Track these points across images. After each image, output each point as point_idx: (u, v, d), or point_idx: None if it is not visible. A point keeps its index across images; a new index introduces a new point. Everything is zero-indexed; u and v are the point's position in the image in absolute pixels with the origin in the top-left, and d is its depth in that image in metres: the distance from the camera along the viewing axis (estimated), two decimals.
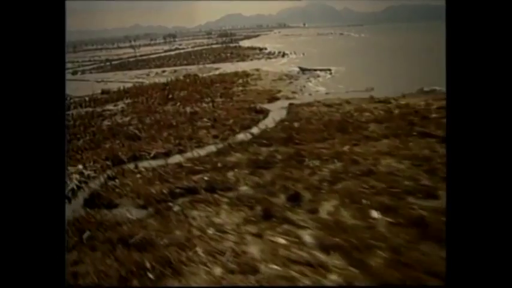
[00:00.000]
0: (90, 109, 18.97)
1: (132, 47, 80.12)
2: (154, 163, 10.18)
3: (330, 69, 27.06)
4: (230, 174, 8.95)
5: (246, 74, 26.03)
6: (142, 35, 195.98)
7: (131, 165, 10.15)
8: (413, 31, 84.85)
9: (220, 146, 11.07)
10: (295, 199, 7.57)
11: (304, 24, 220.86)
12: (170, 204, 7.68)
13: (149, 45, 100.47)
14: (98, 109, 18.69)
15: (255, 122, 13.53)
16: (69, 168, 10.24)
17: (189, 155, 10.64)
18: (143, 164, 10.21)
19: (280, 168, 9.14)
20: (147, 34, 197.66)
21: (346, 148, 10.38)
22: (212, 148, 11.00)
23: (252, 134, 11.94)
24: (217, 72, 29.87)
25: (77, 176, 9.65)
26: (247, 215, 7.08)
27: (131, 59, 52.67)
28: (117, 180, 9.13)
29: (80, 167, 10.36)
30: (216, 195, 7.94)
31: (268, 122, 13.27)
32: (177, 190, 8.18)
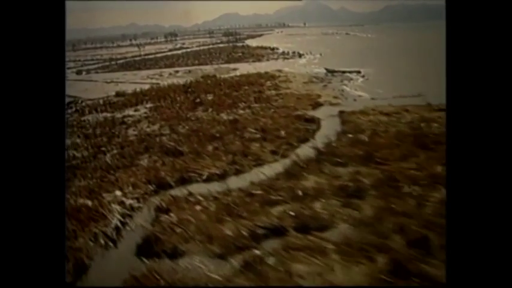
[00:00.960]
0: (108, 114, 17.04)
1: (137, 45, 77.71)
2: (211, 188, 8.30)
3: (359, 71, 25.33)
4: (317, 206, 7.15)
5: (271, 76, 24.14)
6: (140, 33, 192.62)
7: (183, 191, 8.28)
8: (418, 31, 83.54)
9: (286, 164, 9.22)
10: (421, 245, 5.81)
11: (305, 24, 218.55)
12: (257, 252, 5.85)
13: (150, 44, 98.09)
14: (118, 115, 16.75)
15: (311, 134, 11.74)
16: (105, 195, 8.37)
17: (251, 176, 8.78)
18: (197, 189, 8.33)
19: (377, 198, 7.37)
20: (146, 33, 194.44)
21: (439, 169, 8.64)
22: (277, 168, 9.15)
23: (316, 149, 10.11)
24: (237, 73, 27.91)
25: (118, 208, 7.76)
26: (372, 270, 5.31)
27: (137, 58, 50.48)
28: (172, 215, 7.25)
29: (118, 193, 8.47)
30: (312, 238, 6.15)
31: (329, 134, 11.45)
32: (260, 231, 6.36)
